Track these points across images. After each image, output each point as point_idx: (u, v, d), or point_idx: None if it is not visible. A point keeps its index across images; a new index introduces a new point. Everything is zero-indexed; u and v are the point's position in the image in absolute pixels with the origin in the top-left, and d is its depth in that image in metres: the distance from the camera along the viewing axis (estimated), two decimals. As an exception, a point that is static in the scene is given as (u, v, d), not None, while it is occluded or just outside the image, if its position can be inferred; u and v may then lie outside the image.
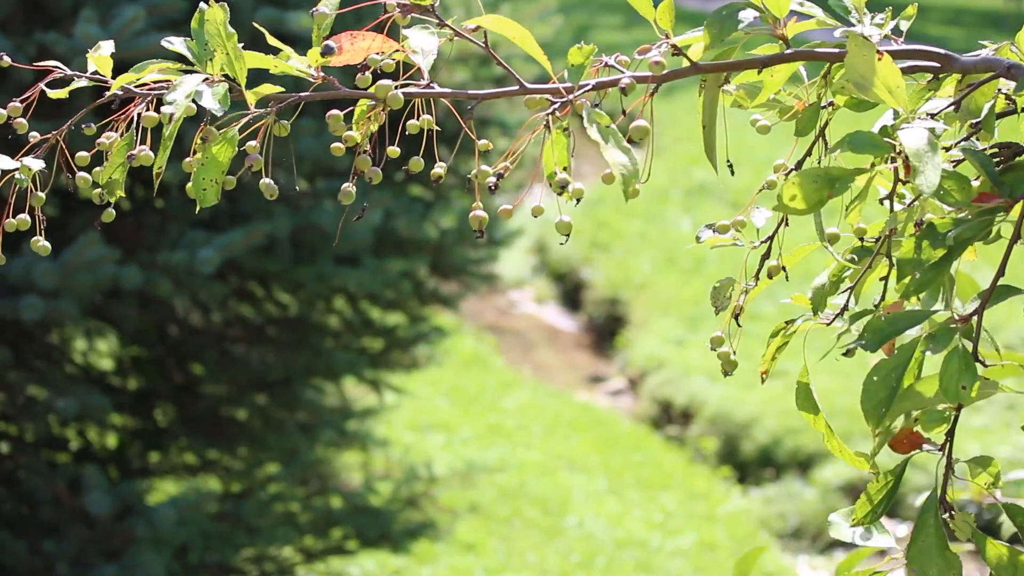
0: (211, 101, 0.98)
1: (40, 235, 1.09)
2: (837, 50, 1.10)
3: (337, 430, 5.07)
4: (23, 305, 3.29)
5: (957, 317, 0.98)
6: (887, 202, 1.13)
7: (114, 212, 1.07)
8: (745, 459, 8.03)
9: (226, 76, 1.00)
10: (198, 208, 1.07)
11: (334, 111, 0.99)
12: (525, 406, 8.63)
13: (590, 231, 11.52)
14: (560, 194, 0.94)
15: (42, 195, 1.07)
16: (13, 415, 4.20)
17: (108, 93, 1.01)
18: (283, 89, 1.02)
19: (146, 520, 3.90)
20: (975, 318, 0.98)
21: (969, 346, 0.95)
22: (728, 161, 1.31)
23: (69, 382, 3.97)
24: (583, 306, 10.74)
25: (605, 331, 10.27)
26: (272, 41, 1.01)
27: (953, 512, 1.05)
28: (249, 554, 4.85)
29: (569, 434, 8.26)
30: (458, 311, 6.09)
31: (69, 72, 1.02)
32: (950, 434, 1.01)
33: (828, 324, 1.31)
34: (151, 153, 1.02)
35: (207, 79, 0.99)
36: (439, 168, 1.00)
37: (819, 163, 1.20)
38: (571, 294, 11.06)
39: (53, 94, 1.03)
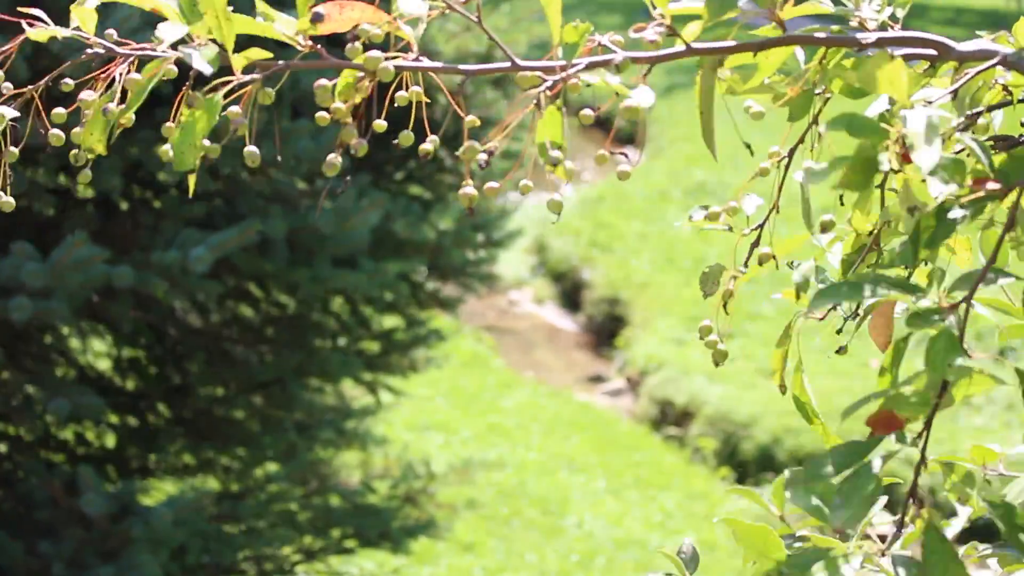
0: (201, 62, 0.96)
1: (5, 191, 1.07)
2: (834, 36, 1.09)
3: (336, 429, 5.06)
4: (12, 306, 3.28)
5: (945, 303, 0.96)
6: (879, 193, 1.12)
7: (91, 174, 1.05)
8: (745, 459, 8.01)
9: (212, 40, 0.98)
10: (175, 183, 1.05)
11: (322, 81, 0.97)
12: (524, 406, 8.62)
13: (590, 231, 11.51)
14: (552, 172, 0.93)
15: (15, 150, 1.05)
16: (9, 415, 4.19)
17: (89, 52, 0.99)
18: (271, 55, 0.99)
19: (143, 521, 3.88)
20: (963, 304, 0.96)
21: (955, 331, 0.93)
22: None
23: (62, 383, 3.95)
24: (583, 306, 10.73)
25: (605, 331, 10.26)
26: (261, 6, 0.99)
27: (923, 506, 1.03)
28: (248, 554, 4.83)
29: (568, 434, 8.25)
30: (457, 312, 6.09)
31: (50, 27, 1.00)
32: (927, 423, 0.99)
33: (821, 320, 1.29)
34: (132, 115, 0.99)
35: (193, 41, 0.97)
36: (429, 144, 0.98)
37: (811, 151, 1.19)
38: (571, 294, 11.05)
39: (34, 35, 1.01)
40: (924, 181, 1.00)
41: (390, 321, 5.29)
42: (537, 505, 7.29)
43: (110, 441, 4.83)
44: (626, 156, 0.95)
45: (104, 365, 5.05)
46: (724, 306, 1.22)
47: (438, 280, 5.48)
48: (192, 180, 1.01)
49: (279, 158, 3.85)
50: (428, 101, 1.02)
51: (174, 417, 4.78)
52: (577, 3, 23.19)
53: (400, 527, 5.07)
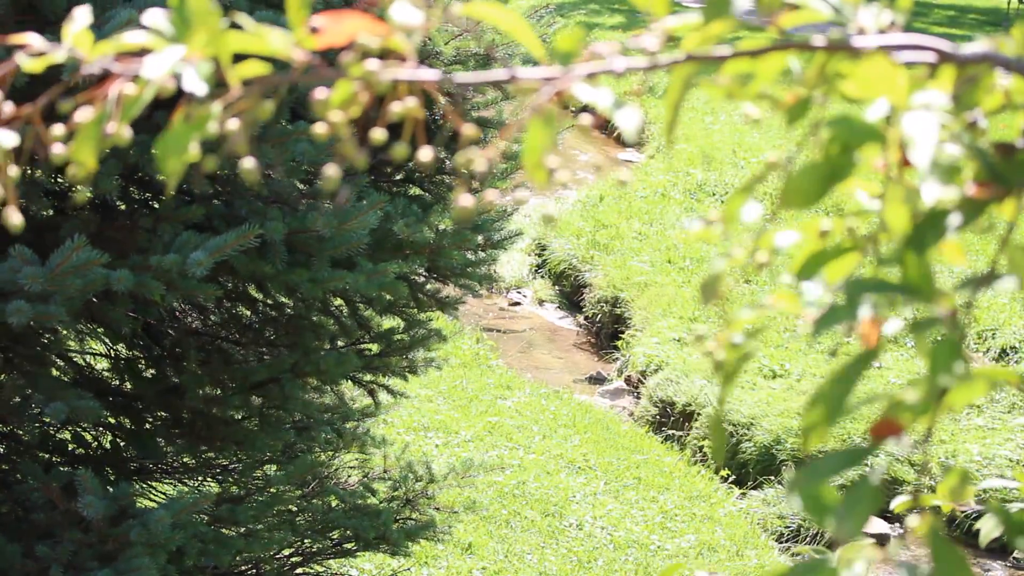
0: (194, 80, 0.94)
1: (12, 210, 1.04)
2: (832, 41, 1.08)
3: (335, 430, 5.05)
4: (10, 309, 3.26)
5: (944, 311, 0.95)
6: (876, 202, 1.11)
7: (89, 193, 1.04)
8: (745, 460, 8.01)
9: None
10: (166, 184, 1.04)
11: (320, 92, 0.96)
12: (524, 407, 8.61)
13: (590, 231, 11.50)
14: (539, 184, 0.92)
15: (15, 172, 1.03)
16: (6, 417, 4.18)
17: (84, 68, 0.97)
18: (270, 68, 0.97)
19: (141, 523, 3.87)
20: (964, 310, 0.95)
21: (957, 337, 0.93)
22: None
23: (58, 386, 3.94)
24: (583, 306, 10.72)
25: (605, 331, 10.26)
26: (251, 25, 0.97)
27: (922, 512, 1.02)
28: (246, 556, 4.82)
29: (569, 435, 8.25)
30: (457, 312, 6.08)
31: (43, 46, 0.98)
32: (928, 430, 0.98)
33: (807, 330, 1.28)
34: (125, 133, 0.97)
35: (187, 58, 0.95)
36: (425, 155, 0.97)
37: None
38: (571, 294, 11.04)
39: (28, 67, 0.99)
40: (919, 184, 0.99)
41: (390, 322, 5.27)
42: (537, 506, 7.28)
43: (107, 443, 4.82)
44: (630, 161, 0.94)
45: (101, 366, 5.04)
46: (719, 314, 1.21)
47: (438, 281, 5.47)
48: (172, 183, 0.99)
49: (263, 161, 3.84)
50: (427, 105, 1.01)
51: (172, 418, 4.77)
52: (579, 2, 23.22)
53: (399, 528, 5.06)
